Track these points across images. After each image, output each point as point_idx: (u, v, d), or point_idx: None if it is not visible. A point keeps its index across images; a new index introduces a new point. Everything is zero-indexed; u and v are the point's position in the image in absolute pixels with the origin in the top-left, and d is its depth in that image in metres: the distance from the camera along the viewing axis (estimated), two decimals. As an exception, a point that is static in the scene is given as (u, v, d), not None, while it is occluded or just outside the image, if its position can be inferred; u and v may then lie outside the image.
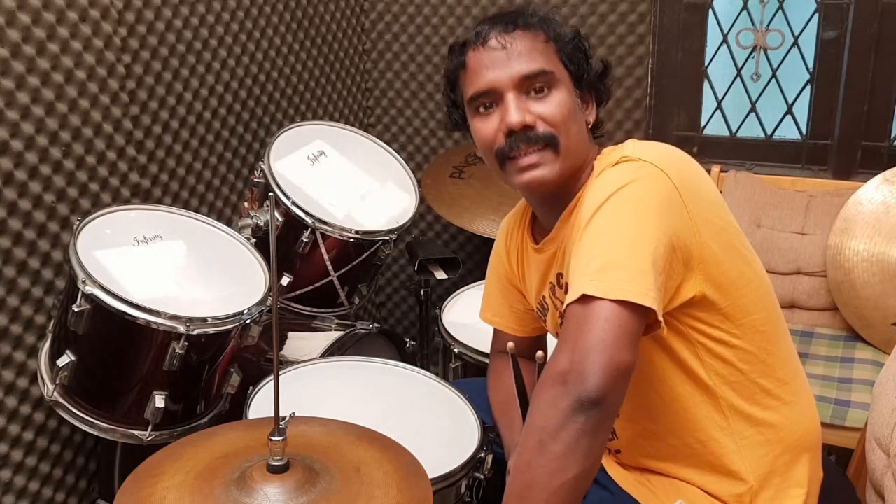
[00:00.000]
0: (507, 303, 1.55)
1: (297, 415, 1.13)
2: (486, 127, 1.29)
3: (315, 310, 1.98)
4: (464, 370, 1.92)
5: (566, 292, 1.32)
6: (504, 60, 1.26)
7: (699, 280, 1.18)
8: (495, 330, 1.62)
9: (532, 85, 1.26)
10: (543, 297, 1.42)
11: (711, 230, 1.19)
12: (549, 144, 1.25)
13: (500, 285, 1.55)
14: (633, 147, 1.23)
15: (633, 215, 1.12)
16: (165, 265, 1.63)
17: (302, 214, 1.83)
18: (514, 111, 1.24)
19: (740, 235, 1.26)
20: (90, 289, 1.46)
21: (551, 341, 1.62)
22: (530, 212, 1.45)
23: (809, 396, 1.35)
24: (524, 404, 1.30)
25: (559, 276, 1.34)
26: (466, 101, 1.32)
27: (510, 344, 1.29)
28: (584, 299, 1.07)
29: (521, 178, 1.28)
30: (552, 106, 1.25)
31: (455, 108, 1.38)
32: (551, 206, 1.33)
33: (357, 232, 1.89)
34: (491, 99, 1.28)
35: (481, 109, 1.30)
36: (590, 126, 1.33)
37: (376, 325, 2.05)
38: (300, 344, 1.96)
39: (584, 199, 1.20)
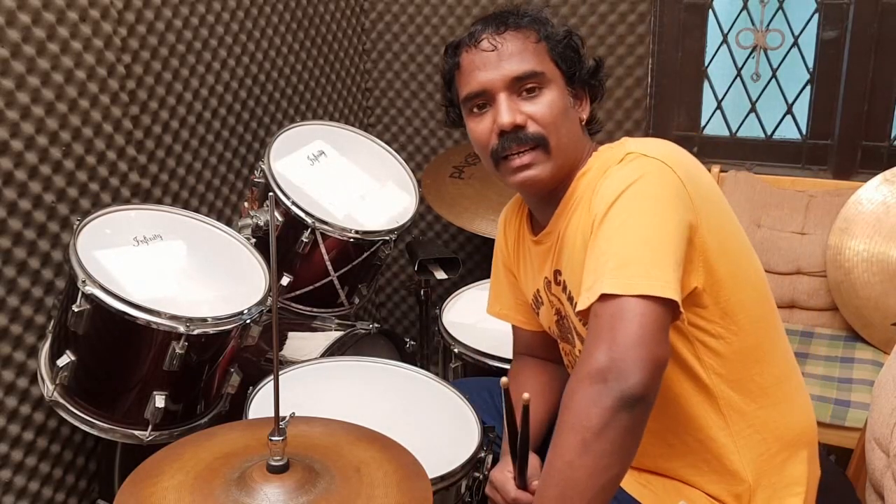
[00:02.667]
0: (513, 296, 1.56)
1: (297, 415, 1.14)
2: (480, 127, 1.31)
3: (315, 310, 1.98)
4: (464, 370, 1.92)
5: (564, 290, 1.32)
6: (495, 62, 1.27)
7: (699, 273, 1.18)
8: (513, 330, 1.62)
9: (523, 85, 1.27)
10: (538, 292, 1.43)
11: (712, 224, 1.19)
12: (539, 144, 1.27)
13: (506, 279, 1.56)
14: (635, 144, 1.24)
15: (649, 210, 1.13)
16: (165, 265, 1.63)
17: (302, 214, 1.83)
18: (506, 112, 1.26)
19: (739, 232, 1.27)
20: (90, 289, 1.46)
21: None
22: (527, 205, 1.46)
23: (805, 394, 1.36)
24: (512, 433, 1.28)
25: (556, 272, 1.34)
26: (461, 102, 1.34)
27: (504, 379, 1.24)
28: (610, 297, 1.07)
29: (514, 178, 1.30)
30: (543, 106, 1.27)
31: (452, 107, 1.40)
32: (547, 201, 1.34)
33: (357, 232, 1.89)
34: (484, 99, 1.29)
35: (475, 110, 1.31)
36: (583, 122, 1.34)
37: (376, 325, 2.05)
38: (300, 344, 1.96)
39: (595, 198, 1.20)
